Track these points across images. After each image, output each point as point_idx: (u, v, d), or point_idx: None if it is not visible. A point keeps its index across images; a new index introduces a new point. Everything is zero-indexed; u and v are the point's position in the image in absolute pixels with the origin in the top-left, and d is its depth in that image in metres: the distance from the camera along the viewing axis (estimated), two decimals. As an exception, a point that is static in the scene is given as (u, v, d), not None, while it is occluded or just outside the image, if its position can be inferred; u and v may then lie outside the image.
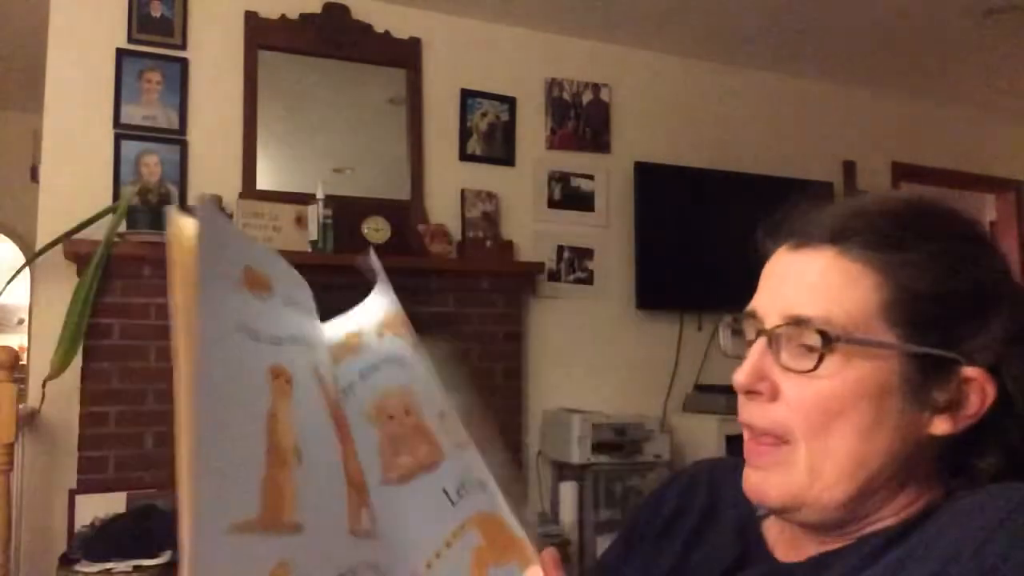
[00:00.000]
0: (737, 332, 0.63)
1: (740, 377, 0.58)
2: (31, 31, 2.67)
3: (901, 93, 3.81)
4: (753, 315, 0.60)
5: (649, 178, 3.16)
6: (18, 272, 2.53)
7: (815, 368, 0.54)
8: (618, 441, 2.74)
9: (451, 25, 3.01)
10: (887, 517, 0.57)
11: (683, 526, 0.69)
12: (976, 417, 0.55)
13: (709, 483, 0.71)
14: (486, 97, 3.04)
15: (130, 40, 2.56)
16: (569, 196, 3.12)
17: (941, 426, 0.55)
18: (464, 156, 2.99)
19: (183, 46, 2.62)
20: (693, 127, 3.37)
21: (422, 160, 2.90)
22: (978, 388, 0.55)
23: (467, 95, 3.01)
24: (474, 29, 3.05)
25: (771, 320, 0.58)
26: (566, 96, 3.18)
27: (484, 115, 3.03)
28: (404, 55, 2.91)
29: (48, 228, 2.37)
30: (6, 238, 4.41)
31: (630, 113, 3.27)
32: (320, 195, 2.55)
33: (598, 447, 2.71)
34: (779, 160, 3.45)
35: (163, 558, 2.09)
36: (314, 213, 2.55)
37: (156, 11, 2.59)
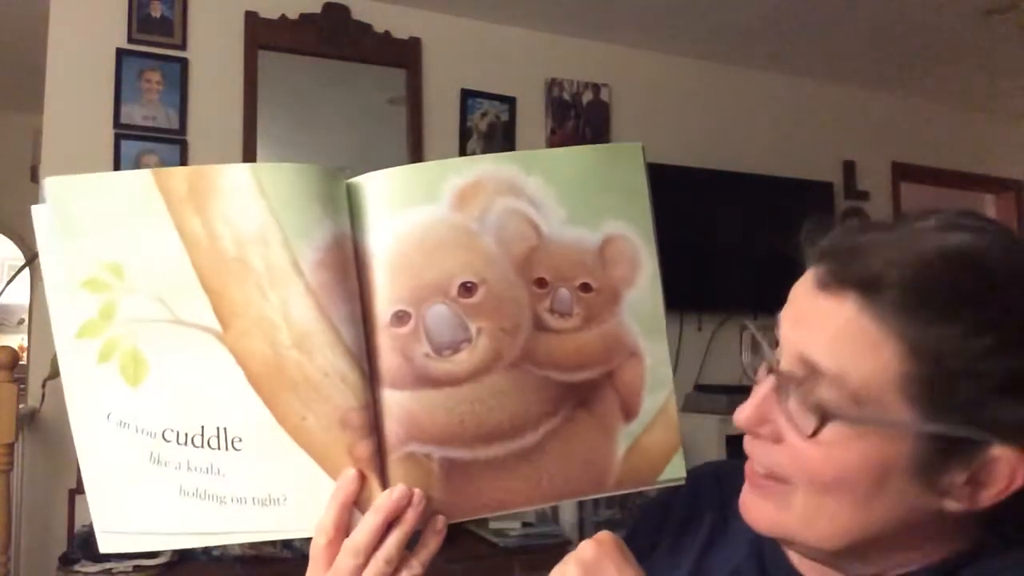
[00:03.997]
0: (757, 347, 0.59)
1: (741, 418, 0.55)
2: (31, 31, 2.66)
3: (901, 93, 3.81)
4: (774, 331, 0.56)
5: (649, 178, 3.15)
6: (18, 272, 2.53)
7: (814, 435, 0.50)
8: (618, 441, 2.73)
9: (451, 25, 3.01)
10: (912, 561, 0.54)
11: (696, 536, 0.67)
12: (1001, 496, 0.50)
13: (718, 491, 0.69)
14: (486, 97, 3.04)
15: (130, 40, 2.56)
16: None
17: (954, 505, 0.51)
18: (464, 156, 2.99)
19: (183, 46, 2.62)
20: (693, 127, 3.37)
21: (422, 160, 2.90)
22: (1007, 468, 0.49)
23: (467, 95, 3.01)
24: (474, 29, 3.05)
25: (785, 358, 0.54)
26: (566, 96, 3.18)
27: (484, 115, 3.03)
28: (404, 55, 2.91)
29: (48, 228, 2.37)
30: (6, 238, 4.41)
31: (630, 113, 3.27)
32: (320, 195, 2.55)
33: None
34: (779, 160, 3.45)
35: (163, 558, 2.09)
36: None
37: (156, 11, 2.59)
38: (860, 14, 3.00)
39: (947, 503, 0.51)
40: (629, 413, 0.63)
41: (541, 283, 0.61)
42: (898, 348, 0.49)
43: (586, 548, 0.57)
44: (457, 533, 2.42)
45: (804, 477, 0.52)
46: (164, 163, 2.56)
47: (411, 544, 0.59)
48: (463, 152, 2.99)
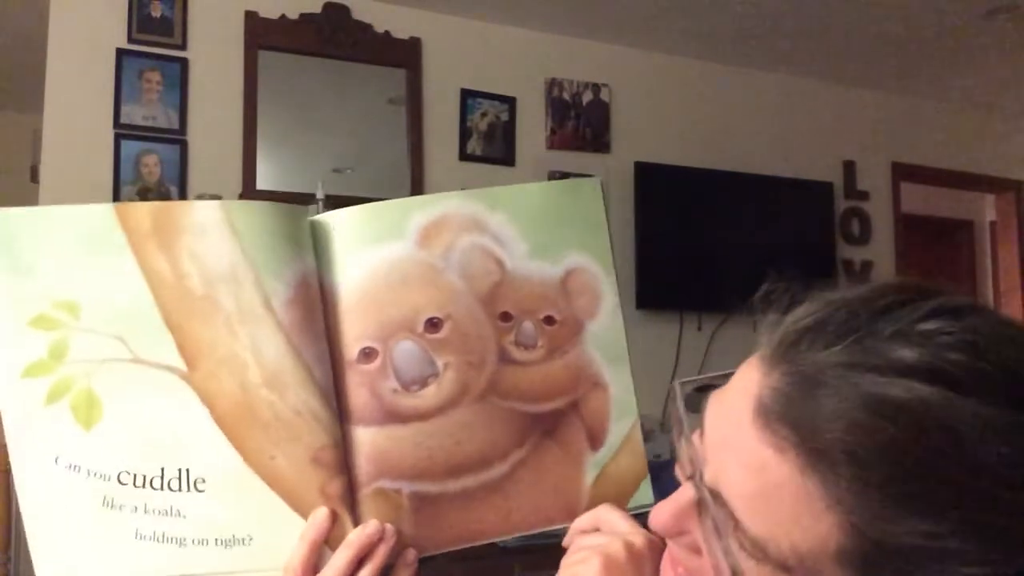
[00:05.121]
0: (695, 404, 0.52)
1: (656, 524, 0.48)
2: (31, 31, 2.66)
3: (901, 93, 3.81)
4: (704, 431, 0.47)
5: (649, 178, 3.16)
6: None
7: None
8: (618, 441, 2.73)
9: (451, 25, 3.01)
10: None
11: None
12: None
13: None
14: (486, 97, 3.04)
15: (130, 40, 2.56)
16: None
17: None
18: (464, 156, 2.99)
19: (183, 46, 2.62)
20: (693, 127, 3.37)
21: (422, 160, 2.90)
22: None
23: (467, 95, 3.01)
24: (474, 29, 3.05)
25: (709, 476, 0.45)
26: (566, 96, 3.18)
27: (484, 115, 3.03)
28: (404, 55, 2.91)
29: (48, 228, 2.37)
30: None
31: (630, 113, 3.27)
32: (320, 195, 2.55)
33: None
34: (779, 160, 3.45)
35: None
36: (314, 213, 2.54)
37: (156, 11, 2.59)
38: (860, 14, 3.00)
39: None
40: (595, 442, 0.63)
41: (505, 317, 0.62)
42: (841, 519, 0.40)
43: (615, 546, 0.55)
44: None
45: None
46: (164, 163, 2.56)
47: None
48: (463, 152, 2.99)
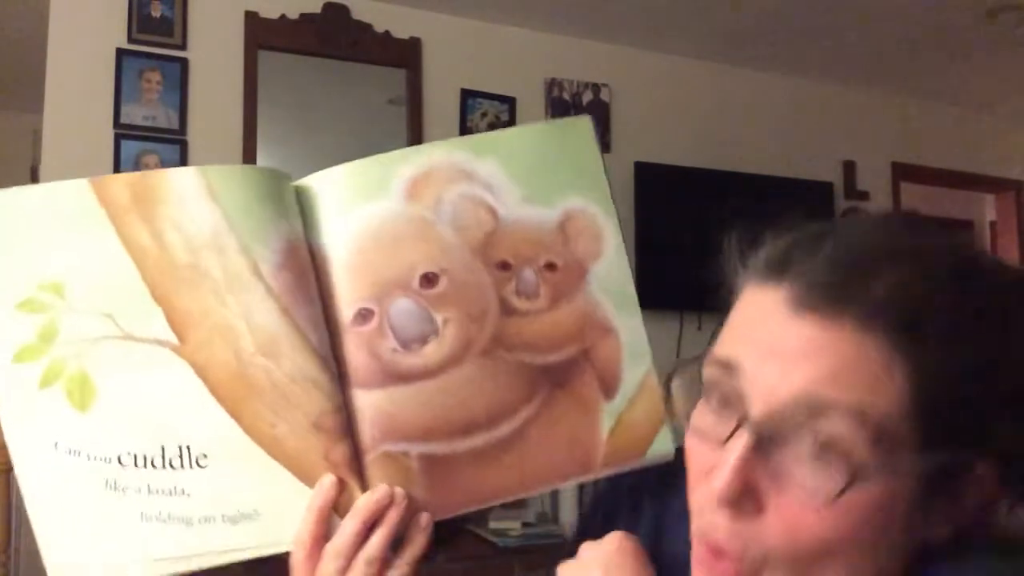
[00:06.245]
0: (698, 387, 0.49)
1: (722, 491, 0.43)
2: (31, 31, 2.66)
3: (901, 93, 3.81)
4: (738, 370, 0.45)
5: (649, 178, 3.16)
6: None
7: (841, 494, 0.41)
8: (618, 441, 2.73)
9: (451, 25, 3.01)
10: None
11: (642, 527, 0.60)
12: (978, 516, 0.45)
13: (654, 528, 0.60)
14: (486, 97, 3.04)
15: (130, 40, 2.56)
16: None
17: (939, 532, 0.45)
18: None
19: (183, 46, 2.62)
20: (693, 127, 3.37)
21: (422, 160, 2.90)
22: (986, 484, 0.44)
23: (467, 95, 3.01)
24: (474, 29, 3.05)
25: (765, 400, 0.44)
26: (566, 96, 3.18)
27: (484, 115, 3.03)
28: (404, 55, 2.91)
29: (48, 228, 2.37)
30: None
31: (630, 113, 3.27)
32: (320, 195, 2.55)
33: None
34: (779, 160, 3.45)
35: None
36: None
37: (156, 11, 2.59)
38: (860, 14, 3.00)
39: (934, 531, 0.45)
40: (609, 390, 0.61)
41: (504, 266, 0.59)
42: (907, 375, 0.42)
43: (607, 552, 0.52)
44: (457, 533, 2.42)
45: (790, 551, 0.43)
46: (164, 163, 2.56)
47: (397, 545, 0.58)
48: (463, 152, 2.99)
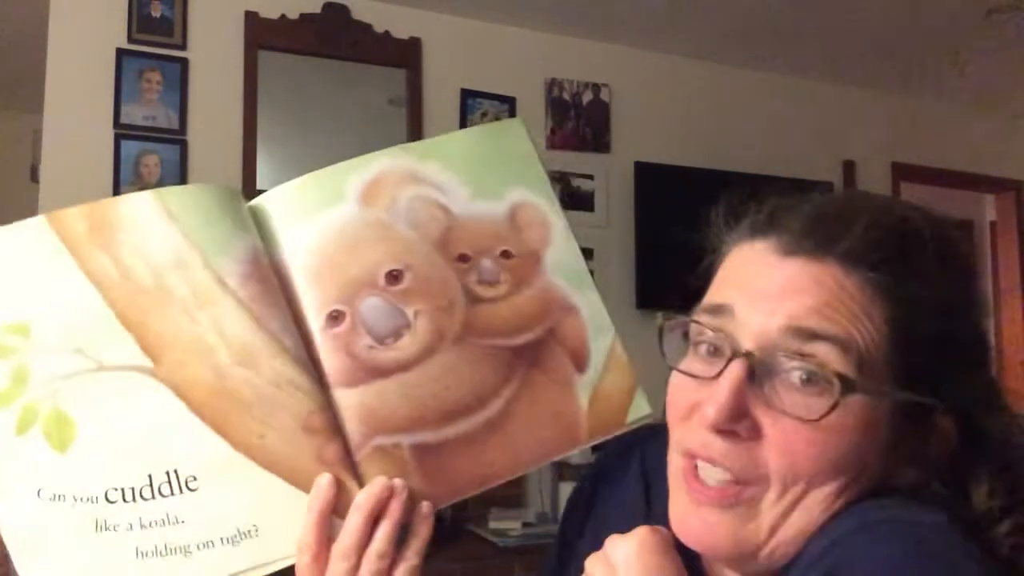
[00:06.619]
0: (688, 336, 0.54)
1: (718, 412, 0.47)
2: (31, 31, 2.66)
3: (901, 93, 3.81)
4: (728, 313, 0.50)
5: (649, 178, 3.16)
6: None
7: (824, 417, 0.45)
8: (618, 441, 2.73)
9: (451, 25, 3.01)
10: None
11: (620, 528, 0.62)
12: (934, 460, 0.49)
13: (641, 475, 0.67)
14: (486, 97, 3.04)
15: (130, 40, 2.56)
16: (569, 196, 3.12)
17: (904, 475, 0.49)
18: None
19: (183, 46, 2.62)
20: (693, 127, 3.37)
21: (422, 160, 2.90)
22: (945, 434, 0.49)
23: (467, 95, 3.01)
24: (474, 29, 3.05)
25: (755, 336, 0.48)
26: (566, 96, 3.18)
27: (484, 115, 3.03)
28: (404, 55, 2.91)
29: (48, 228, 2.37)
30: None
31: (630, 113, 3.27)
32: (320, 195, 2.55)
33: (598, 447, 2.70)
34: (779, 160, 3.44)
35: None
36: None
37: (156, 11, 2.59)
38: (860, 14, 3.00)
39: (902, 473, 0.49)
40: (580, 364, 0.63)
41: (463, 258, 0.62)
42: (886, 311, 0.47)
43: (631, 548, 0.50)
44: (457, 533, 2.43)
45: (789, 472, 0.47)
46: (164, 163, 2.56)
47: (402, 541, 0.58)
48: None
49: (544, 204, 0.65)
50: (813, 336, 0.46)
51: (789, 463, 0.47)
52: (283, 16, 2.74)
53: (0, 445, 0.53)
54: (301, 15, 2.76)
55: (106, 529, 0.54)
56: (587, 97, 3.21)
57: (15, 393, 0.53)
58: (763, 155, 3.44)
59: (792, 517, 0.48)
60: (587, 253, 3.03)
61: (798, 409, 0.46)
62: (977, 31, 3.11)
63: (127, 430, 0.54)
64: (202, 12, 2.66)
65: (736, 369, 0.47)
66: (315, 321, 0.58)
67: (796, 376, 0.46)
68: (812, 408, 0.45)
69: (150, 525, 0.54)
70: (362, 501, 0.55)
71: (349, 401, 0.58)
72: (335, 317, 0.59)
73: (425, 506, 0.58)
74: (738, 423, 0.47)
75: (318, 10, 2.79)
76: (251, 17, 2.70)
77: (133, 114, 2.54)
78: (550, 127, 3.14)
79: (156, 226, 0.55)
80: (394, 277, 0.60)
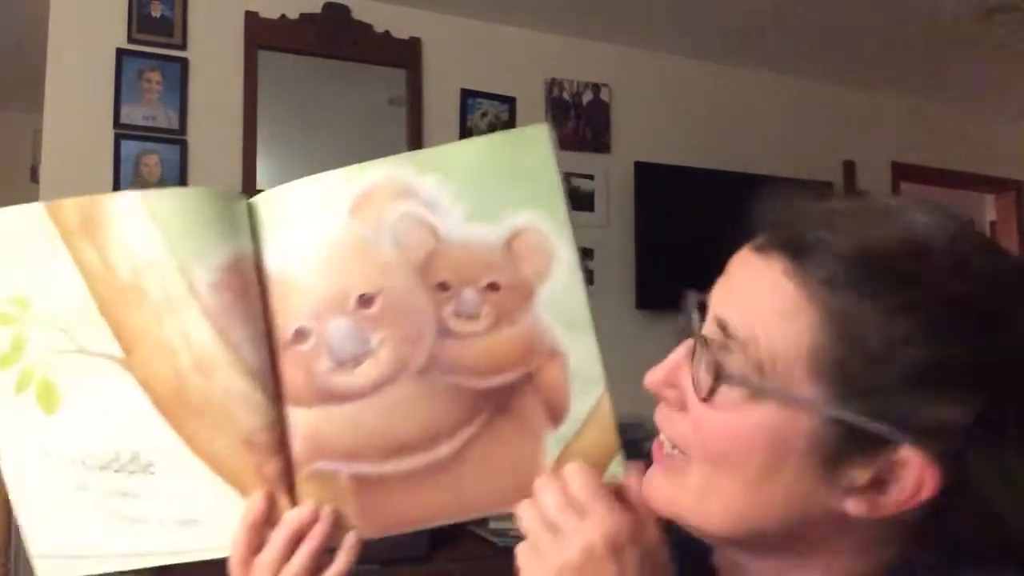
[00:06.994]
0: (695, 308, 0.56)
1: (650, 380, 0.53)
2: (31, 31, 2.66)
3: (901, 93, 3.81)
4: (704, 303, 0.54)
5: (649, 178, 3.16)
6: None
7: (708, 397, 0.47)
8: (618, 441, 2.73)
9: (451, 25, 3.01)
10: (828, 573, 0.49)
11: None
12: (906, 507, 0.44)
13: None
14: (486, 97, 3.04)
15: (130, 40, 2.56)
16: (569, 196, 3.12)
17: (855, 507, 0.46)
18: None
19: (183, 46, 2.62)
20: (693, 127, 3.37)
21: (422, 160, 2.90)
22: (913, 474, 0.44)
23: (467, 95, 3.01)
24: (474, 29, 3.05)
25: (708, 322, 0.51)
26: (566, 96, 3.18)
27: (484, 115, 3.03)
28: (404, 55, 2.91)
29: (48, 228, 2.37)
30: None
31: (630, 113, 3.27)
32: (320, 195, 2.55)
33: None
34: (779, 160, 3.45)
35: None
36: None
37: (156, 11, 2.59)
38: (860, 14, 3.00)
39: (848, 504, 0.46)
40: (556, 416, 0.59)
41: (443, 287, 0.58)
42: (816, 317, 0.45)
43: (592, 535, 0.52)
44: (457, 533, 2.43)
45: (700, 448, 0.49)
46: (164, 163, 2.56)
47: None
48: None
49: (552, 232, 0.59)
50: (726, 327, 0.49)
51: (698, 440, 0.50)
52: (283, 16, 2.74)
53: (3, 400, 0.59)
54: (301, 15, 2.76)
55: (84, 489, 0.60)
56: (587, 97, 3.21)
57: (15, 357, 0.59)
58: (763, 155, 3.44)
59: (712, 500, 0.49)
60: (587, 253, 3.06)
61: (699, 387, 0.49)
62: (977, 31, 3.11)
63: (100, 409, 0.59)
64: (202, 12, 2.66)
65: (682, 348, 0.52)
66: (284, 334, 0.59)
67: (705, 360, 0.49)
68: (700, 387, 0.49)
69: (116, 494, 0.60)
70: (287, 520, 0.59)
71: (299, 419, 0.59)
72: (302, 334, 0.59)
73: (351, 537, 0.60)
74: (667, 389, 0.52)
75: (318, 10, 2.79)
76: (251, 17, 2.70)
77: (133, 114, 2.54)
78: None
79: (139, 227, 0.58)
80: (366, 301, 0.58)
